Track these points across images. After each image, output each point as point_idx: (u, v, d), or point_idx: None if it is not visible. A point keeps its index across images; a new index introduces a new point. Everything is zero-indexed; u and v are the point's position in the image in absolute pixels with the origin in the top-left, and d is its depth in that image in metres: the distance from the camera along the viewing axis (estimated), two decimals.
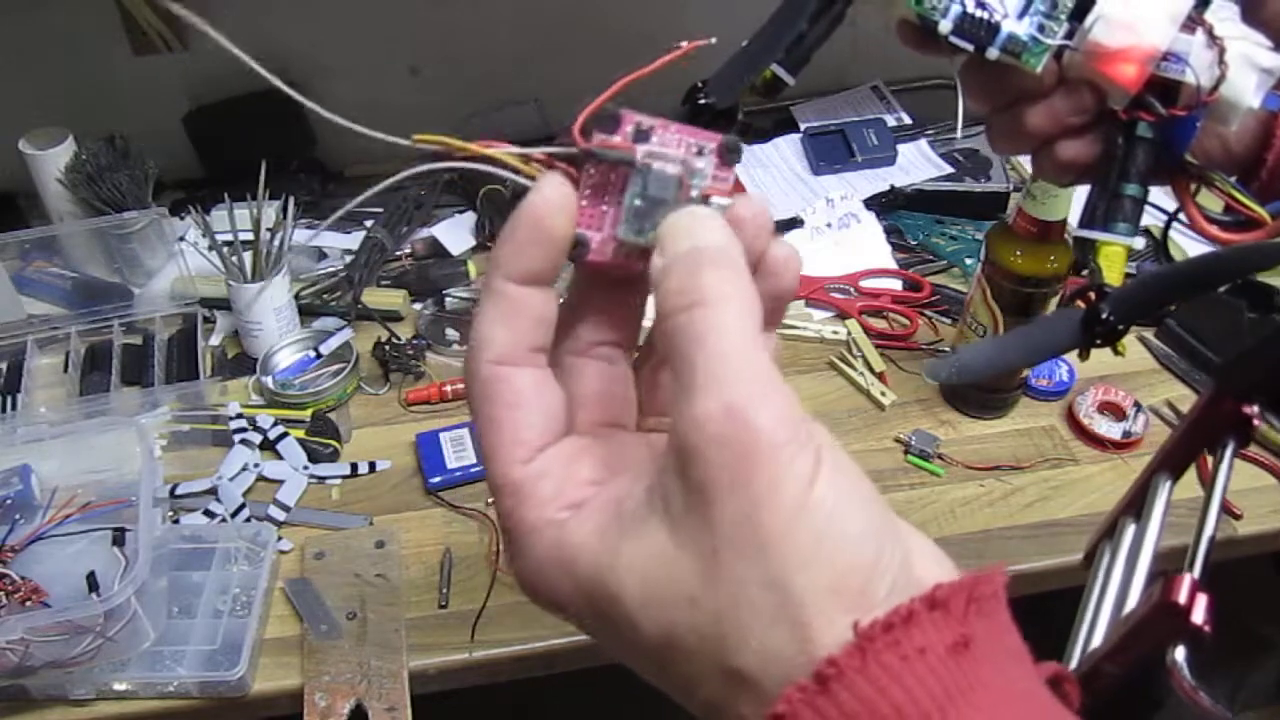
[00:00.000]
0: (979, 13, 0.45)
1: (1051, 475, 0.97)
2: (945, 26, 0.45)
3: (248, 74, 0.30)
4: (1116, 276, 0.46)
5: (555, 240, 0.30)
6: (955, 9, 0.45)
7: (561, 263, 0.30)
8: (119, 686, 0.78)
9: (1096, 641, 0.40)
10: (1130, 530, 0.45)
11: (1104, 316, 0.44)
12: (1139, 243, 0.47)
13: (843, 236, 1.23)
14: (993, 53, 0.45)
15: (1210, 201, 0.49)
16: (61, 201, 1.14)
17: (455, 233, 1.24)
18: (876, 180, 1.32)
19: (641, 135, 0.30)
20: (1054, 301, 0.94)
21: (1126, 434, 0.99)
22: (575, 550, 0.29)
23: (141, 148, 1.16)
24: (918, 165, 1.35)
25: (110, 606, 0.73)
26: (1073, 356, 1.17)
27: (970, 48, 0.45)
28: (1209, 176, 0.48)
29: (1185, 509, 1.03)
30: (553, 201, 0.30)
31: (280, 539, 0.89)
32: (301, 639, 0.82)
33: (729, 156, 0.32)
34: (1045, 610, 0.48)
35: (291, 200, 1.07)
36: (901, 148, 1.35)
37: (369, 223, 1.23)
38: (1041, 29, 0.45)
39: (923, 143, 1.37)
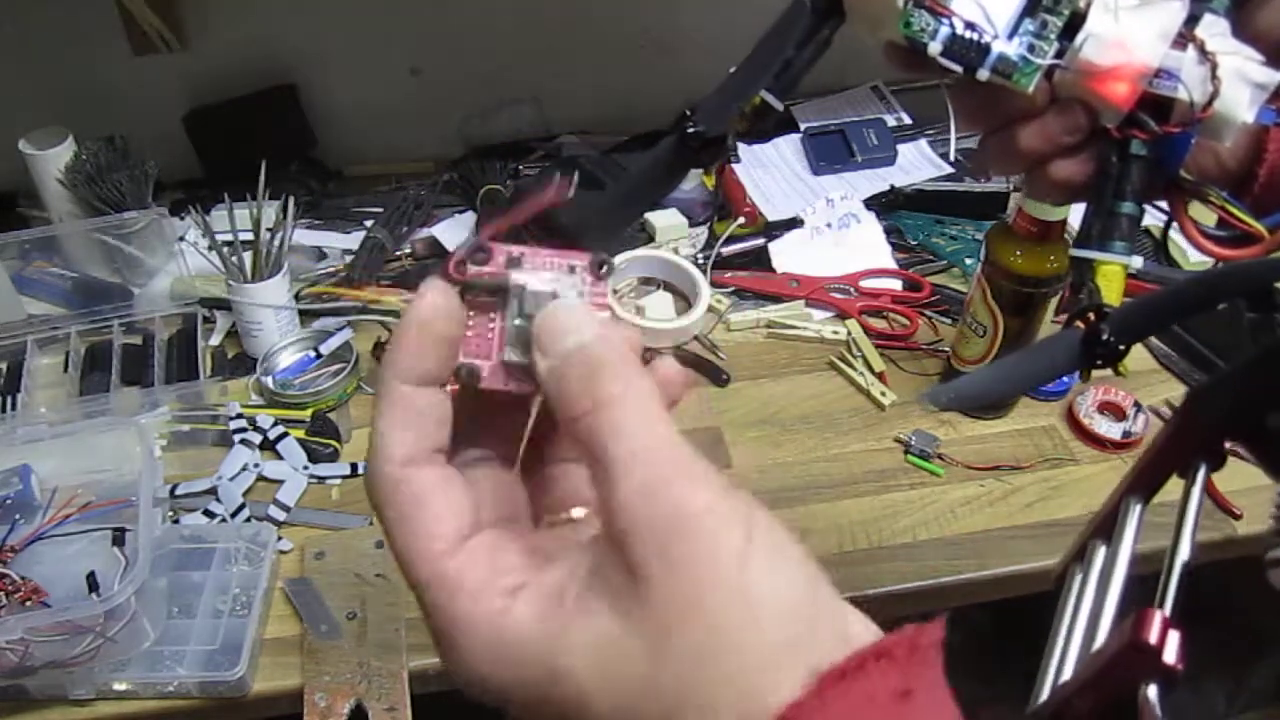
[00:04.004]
0: (969, 34, 0.44)
1: (1051, 475, 0.97)
2: (935, 49, 0.44)
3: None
4: (1115, 296, 0.46)
5: (444, 341, 0.31)
6: (944, 31, 0.44)
7: (451, 365, 0.32)
8: (119, 686, 0.78)
9: (1067, 674, 0.39)
10: (1100, 554, 0.43)
11: (1104, 338, 0.44)
12: (1137, 261, 0.46)
13: (843, 236, 1.23)
14: (983, 74, 0.45)
15: (1203, 214, 0.49)
16: (61, 201, 1.14)
17: (455, 232, 1.24)
18: (876, 180, 1.32)
19: (513, 263, 0.32)
20: (1054, 302, 0.94)
21: (1126, 434, 0.99)
22: (518, 635, 0.29)
23: (141, 148, 1.16)
24: (918, 165, 1.35)
25: (110, 606, 0.73)
26: None
27: (960, 69, 0.45)
28: (1203, 191, 0.48)
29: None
30: (438, 305, 0.31)
31: (280, 539, 0.89)
32: (301, 639, 0.82)
33: (599, 271, 0.33)
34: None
35: (291, 200, 1.07)
36: (901, 148, 1.35)
37: (369, 223, 1.23)
38: (1031, 49, 0.44)
39: (923, 143, 1.38)
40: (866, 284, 1.17)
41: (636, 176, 0.45)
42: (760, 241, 1.21)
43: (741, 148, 1.31)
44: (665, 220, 1.22)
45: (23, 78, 1.23)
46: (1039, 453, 0.99)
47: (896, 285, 1.18)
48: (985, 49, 0.44)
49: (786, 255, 1.20)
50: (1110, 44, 0.43)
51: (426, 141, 1.39)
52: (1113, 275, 0.46)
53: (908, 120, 1.40)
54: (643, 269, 1.17)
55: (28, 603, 0.77)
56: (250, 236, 1.04)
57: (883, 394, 1.04)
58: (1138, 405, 1.01)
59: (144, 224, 1.13)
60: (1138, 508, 0.42)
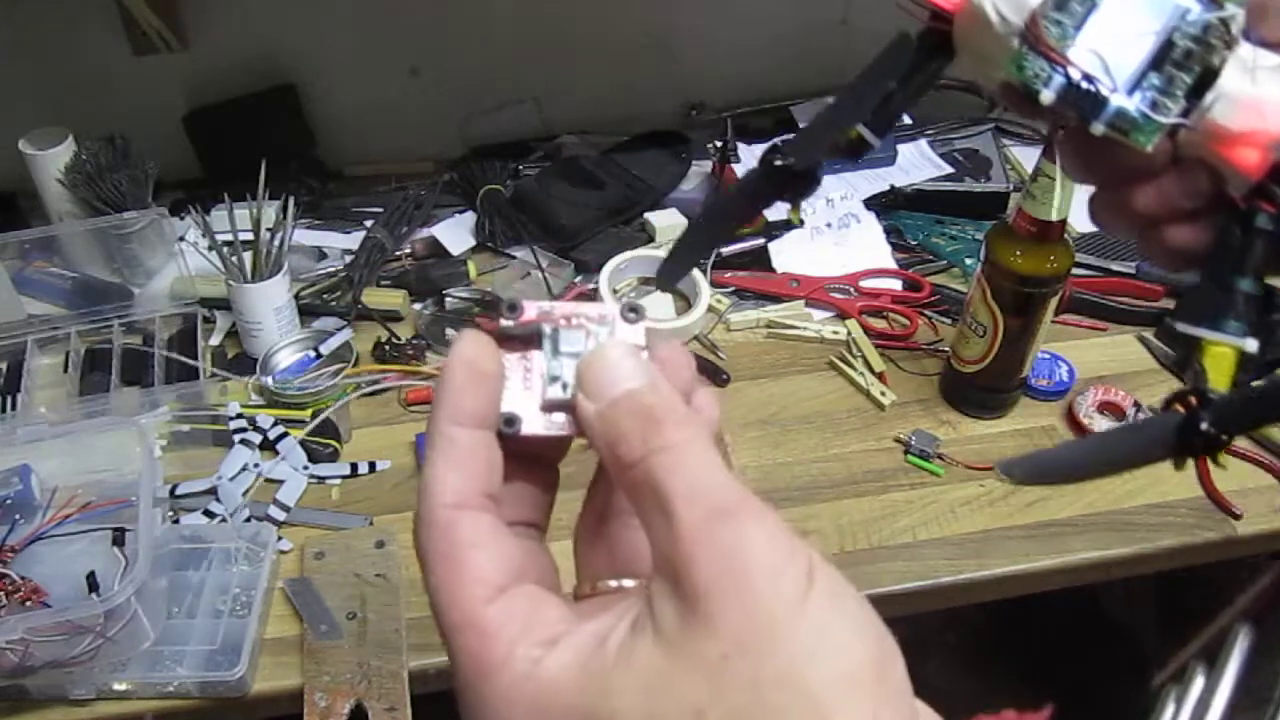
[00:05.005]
0: (1085, 85, 0.40)
1: None
2: (1047, 97, 0.40)
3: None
4: (1223, 381, 0.41)
5: (489, 378, 0.31)
6: (1058, 80, 0.40)
7: (497, 405, 0.32)
8: (119, 686, 0.78)
9: None
10: (1200, 679, 0.41)
11: (1203, 427, 0.39)
12: (1251, 344, 0.42)
13: (843, 236, 1.23)
14: (1098, 128, 0.40)
15: None
16: (61, 201, 1.14)
17: (455, 233, 1.24)
18: (876, 180, 1.32)
19: (544, 315, 0.33)
20: (1054, 302, 0.94)
21: None
22: (555, 683, 0.27)
23: (141, 148, 1.16)
24: (918, 165, 1.35)
25: (110, 606, 0.73)
26: (1074, 356, 1.16)
27: (1074, 115, 0.41)
28: None
29: (1186, 508, 1.02)
30: (479, 341, 0.32)
31: (280, 539, 0.89)
32: (301, 639, 0.82)
33: (630, 317, 0.33)
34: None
35: (291, 200, 1.07)
36: (901, 148, 1.35)
37: (369, 223, 1.23)
38: (1154, 105, 0.40)
39: (923, 143, 1.38)
40: (866, 284, 1.17)
41: (718, 208, 0.43)
42: (760, 241, 1.21)
43: (741, 148, 1.31)
44: (665, 220, 1.22)
45: (23, 78, 1.23)
46: None
47: (896, 285, 1.18)
48: (1103, 101, 0.40)
49: (786, 255, 1.20)
50: (1244, 106, 0.39)
51: (426, 141, 1.39)
52: (1222, 358, 0.42)
53: (908, 120, 1.40)
54: (643, 269, 1.17)
55: (28, 603, 0.77)
56: (250, 236, 1.04)
57: (883, 394, 1.04)
58: (1138, 405, 1.01)
59: (144, 224, 1.13)
60: (1247, 638, 0.39)
